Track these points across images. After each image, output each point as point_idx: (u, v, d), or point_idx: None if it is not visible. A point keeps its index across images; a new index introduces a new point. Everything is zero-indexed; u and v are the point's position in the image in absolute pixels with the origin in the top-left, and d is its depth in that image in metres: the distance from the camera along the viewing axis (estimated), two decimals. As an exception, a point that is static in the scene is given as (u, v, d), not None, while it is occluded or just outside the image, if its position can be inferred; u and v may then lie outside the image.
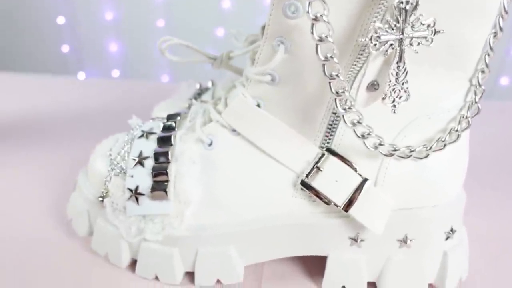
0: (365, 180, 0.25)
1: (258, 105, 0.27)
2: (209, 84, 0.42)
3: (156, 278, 0.28)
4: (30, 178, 0.41)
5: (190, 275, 0.28)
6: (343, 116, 0.23)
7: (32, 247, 0.31)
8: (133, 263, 0.29)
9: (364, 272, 0.27)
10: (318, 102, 0.25)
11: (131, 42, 1.50)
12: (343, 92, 0.22)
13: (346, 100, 0.23)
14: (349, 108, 0.23)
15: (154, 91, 0.63)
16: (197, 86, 0.42)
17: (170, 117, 0.31)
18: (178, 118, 0.30)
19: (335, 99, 0.23)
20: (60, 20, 1.50)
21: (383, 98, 0.22)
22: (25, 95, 0.65)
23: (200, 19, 1.33)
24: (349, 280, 0.27)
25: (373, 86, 0.23)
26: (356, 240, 0.27)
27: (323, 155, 0.26)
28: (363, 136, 0.24)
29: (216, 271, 0.27)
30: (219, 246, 0.27)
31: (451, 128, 0.25)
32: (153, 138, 0.29)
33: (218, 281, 0.28)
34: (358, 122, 0.23)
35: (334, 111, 0.25)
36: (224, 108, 0.28)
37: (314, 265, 0.30)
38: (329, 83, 0.22)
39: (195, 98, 0.40)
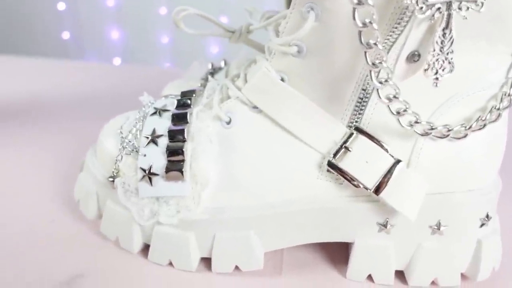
0: (397, 161, 0.24)
1: (282, 80, 0.25)
2: (222, 64, 0.40)
3: (170, 264, 0.26)
4: (33, 159, 0.39)
5: (206, 261, 0.27)
6: (377, 90, 0.21)
7: (36, 231, 0.29)
8: (146, 248, 0.27)
9: (393, 260, 0.25)
10: (347, 77, 0.24)
11: (133, 30, 1.48)
12: (380, 63, 0.20)
13: (379, 72, 0.21)
14: (386, 81, 0.21)
15: (159, 75, 0.61)
16: (209, 66, 0.40)
17: (184, 94, 0.29)
18: (193, 95, 0.28)
19: (370, 71, 0.21)
20: (61, 6, 1.47)
21: (425, 70, 0.20)
22: (28, 77, 0.63)
23: (203, 7, 1.29)
24: (376, 268, 0.26)
25: (413, 57, 0.21)
26: (385, 226, 0.25)
27: (351, 134, 0.24)
28: (398, 113, 0.22)
29: (235, 257, 0.26)
30: (238, 230, 0.25)
31: (492, 107, 0.23)
32: (167, 116, 0.27)
33: (236, 267, 0.26)
34: (395, 97, 0.21)
35: (364, 87, 0.24)
36: (243, 84, 0.26)
37: (336, 252, 0.28)
38: (365, 52, 0.20)
39: (207, 78, 0.38)
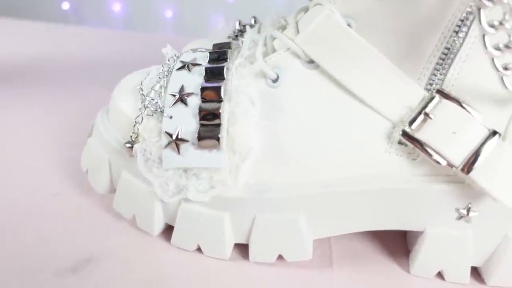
0: (493, 133, 0.19)
1: (349, 26, 0.20)
2: (252, 21, 0.34)
3: (199, 249, 0.22)
4: (34, 124, 0.34)
5: (243, 248, 0.22)
6: (483, 37, 0.17)
7: (36, 207, 0.25)
8: (168, 230, 0.23)
9: (471, 253, 0.21)
10: (432, 25, 0.19)
11: (136, 2, 1.41)
12: (497, -2, 0.16)
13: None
14: (500, 24, 0.16)
15: (165, 43, 0.57)
16: (237, 24, 0.35)
17: (219, 46, 0.24)
18: (229, 48, 0.23)
19: (479, 10, 0.16)
20: (61, -26, 1.40)
21: (559, 8, 0.15)
22: (29, 40, 0.58)
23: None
24: (450, 263, 0.21)
25: (541, -9, 0.16)
26: (466, 213, 0.20)
27: (431, 98, 0.20)
28: (505, 68, 0.17)
29: (279, 244, 0.21)
30: (284, 212, 0.21)
31: None
32: (198, 71, 0.22)
33: (279, 257, 0.21)
34: (507, 46, 0.17)
35: (451, 40, 0.19)
36: (295, 35, 0.21)
37: (391, 242, 0.24)
38: (477, -16, 0.15)
39: (236, 37, 0.33)
